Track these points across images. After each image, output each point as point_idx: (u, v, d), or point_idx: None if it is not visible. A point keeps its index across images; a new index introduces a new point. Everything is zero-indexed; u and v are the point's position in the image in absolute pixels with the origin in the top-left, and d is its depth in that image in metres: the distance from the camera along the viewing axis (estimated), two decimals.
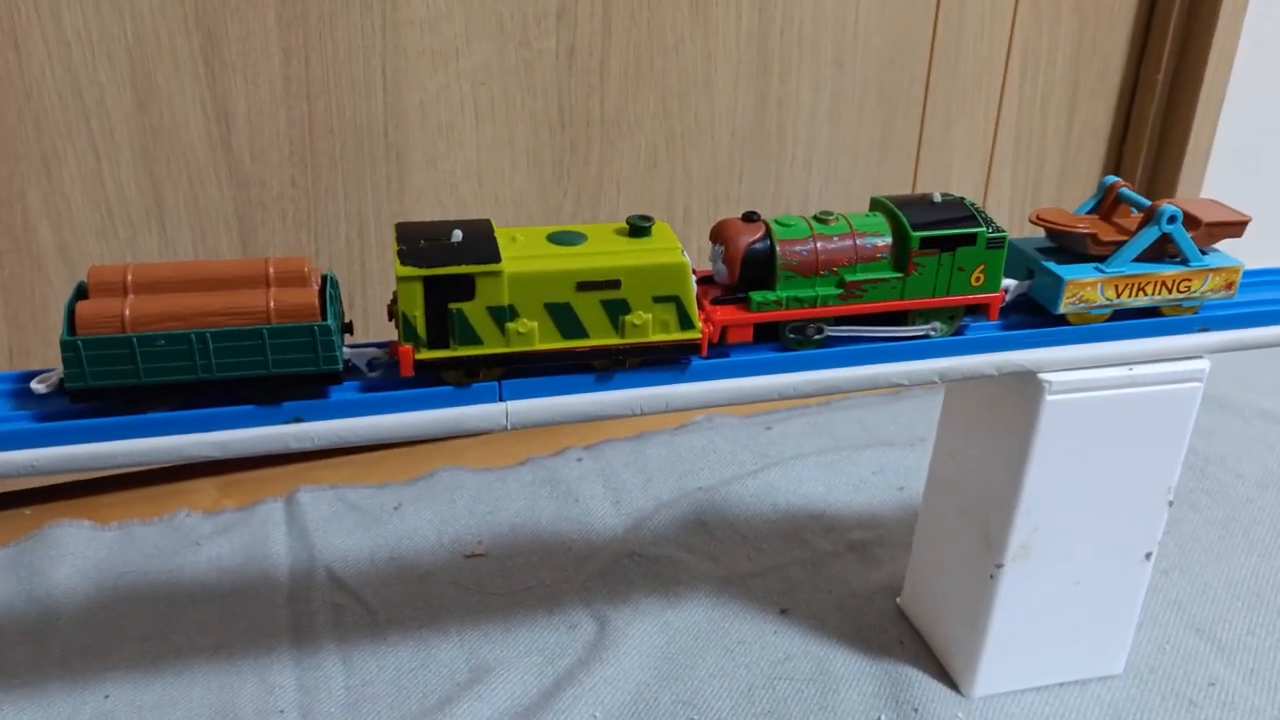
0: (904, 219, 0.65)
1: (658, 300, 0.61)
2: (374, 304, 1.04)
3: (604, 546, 0.94)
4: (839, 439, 1.12)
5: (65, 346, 0.53)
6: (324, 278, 0.60)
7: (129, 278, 0.55)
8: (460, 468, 1.06)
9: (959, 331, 0.67)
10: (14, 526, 0.95)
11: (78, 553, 0.91)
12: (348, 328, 0.61)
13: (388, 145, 0.99)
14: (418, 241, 0.59)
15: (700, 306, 0.62)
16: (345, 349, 0.60)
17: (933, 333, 0.66)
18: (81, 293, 0.56)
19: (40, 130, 0.87)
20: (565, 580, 0.90)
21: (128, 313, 0.54)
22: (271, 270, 0.57)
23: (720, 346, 0.64)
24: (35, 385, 0.55)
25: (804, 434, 1.13)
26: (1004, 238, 0.65)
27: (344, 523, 0.97)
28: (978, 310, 0.67)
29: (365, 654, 0.81)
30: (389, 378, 0.61)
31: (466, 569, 0.91)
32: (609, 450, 1.10)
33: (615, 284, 0.60)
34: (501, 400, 0.61)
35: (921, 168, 1.22)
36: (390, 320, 0.63)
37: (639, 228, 0.62)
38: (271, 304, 0.56)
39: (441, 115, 1.00)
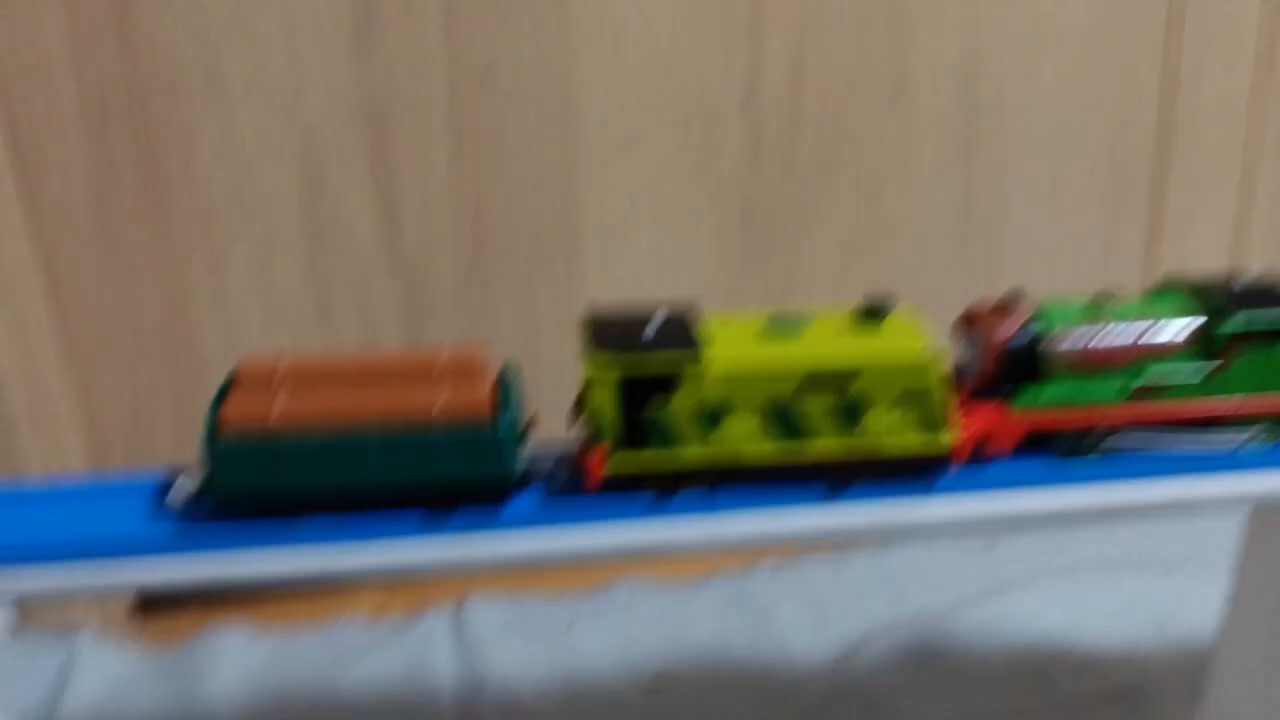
0: (1210, 303, 0.52)
1: (901, 400, 0.50)
2: (548, 407, 0.96)
3: (809, 681, 0.82)
4: (1079, 561, 0.96)
5: (206, 449, 0.46)
6: (501, 370, 0.51)
7: (282, 370, 0.48)
8: (642, 580, 0.96)
9: None
10: (171, 629, 0.90)
11: (236, 662, 0.84)
12: (526, 429, 0.52)
13: (561, 244, 0.92)
14: (611, 329, 0.50)
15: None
16: (524, 454, 0.51)
17: (1252, 443, 0.52)
18: (229, 386, 0.49)
19: (207, 230, 0.84)
20: None
21: (276, 412, 0.46)
22: (442, 362, 0.49)
23: (976, 458, 0.52)
24: (175, 491, 0.48)
25: (1035, 554, 0.97)
26: None
27: (515, 639, 0.87)
28: None
29: None
30: (573, 488, 0.51)
31: (653, 701, 0.80)
32: (806, 567, 0.97)
33: (849, 380, 0.49)
34: (708, 516, 0.51)
35: (1151, 265, 1.07)
36: (575, 421, 0.53)
37: (875, 311, 0.51)
38: (436, 403, 0.47)
39: (618, 211, 0.92)
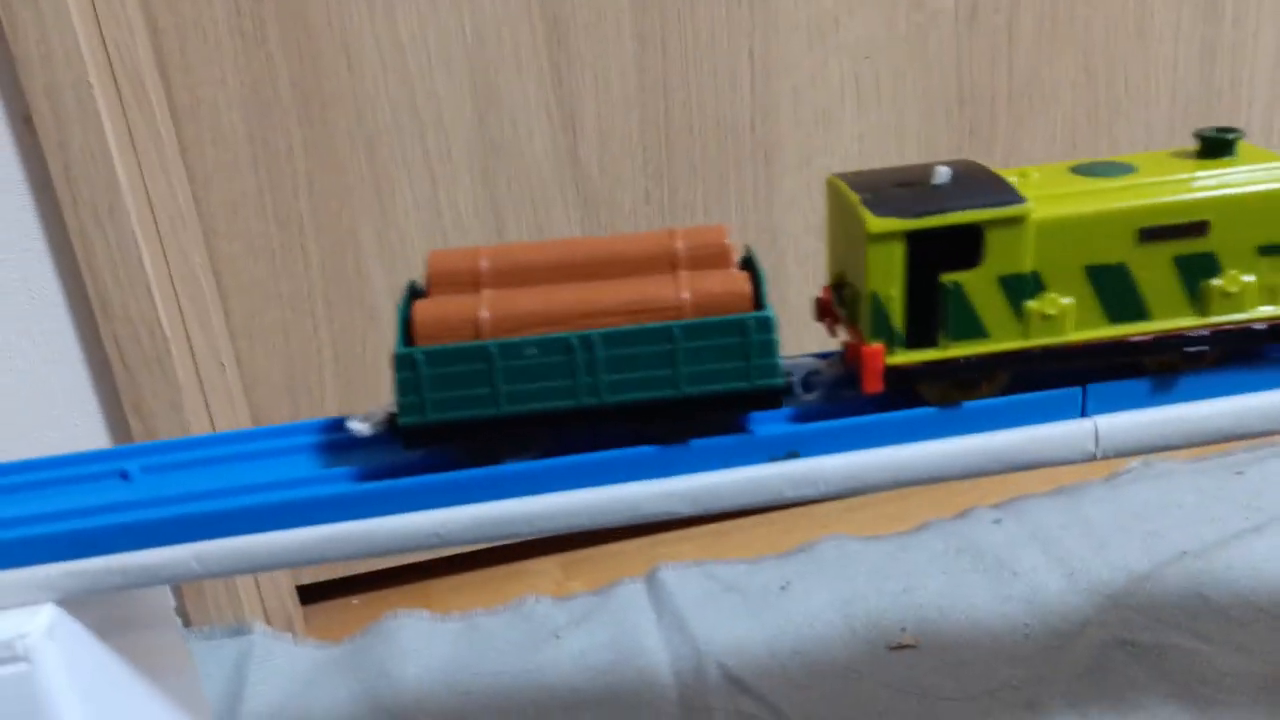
0: None
1: (1264, 252, 0.38)
2: None
3: (1076, 632, 0.71)
4: None
5: (400, 362, 0.37)
6: (745, 258, 0.42)
7: (483, 264, 0.39)
8: (844, 536, 0.85)
9: None
10: (344, 618, 0.83)
11: (421, 649, 0.77)
12: None
13: (755, 142, 0.82)
14: (882, 189, 0.40)
15: None
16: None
17: None
18: (417, 291, 0.40)
19: (373, 155, 0.76)
20: (1039, 679, 0.67)
21: (485, 313, 0.37)
22: (680, 245, 0.39)
23: None
24: (354, 425, 0.40)
25: None
26: None
27: (723, 607, 0.78)
28: None
29: None
30: (835, 400, 0.42)
31: (897, 665, 0.70)
32: (1031, 509, 0.86)
33: (1198, 229, 0.38)
34: (1088, 415, 0.40)
35: None
36: (822, 320, 0.44)
37: (1218, 142, 0.40)
38: (685, 293, 0.38)
39: (818, 101, 0.82)
